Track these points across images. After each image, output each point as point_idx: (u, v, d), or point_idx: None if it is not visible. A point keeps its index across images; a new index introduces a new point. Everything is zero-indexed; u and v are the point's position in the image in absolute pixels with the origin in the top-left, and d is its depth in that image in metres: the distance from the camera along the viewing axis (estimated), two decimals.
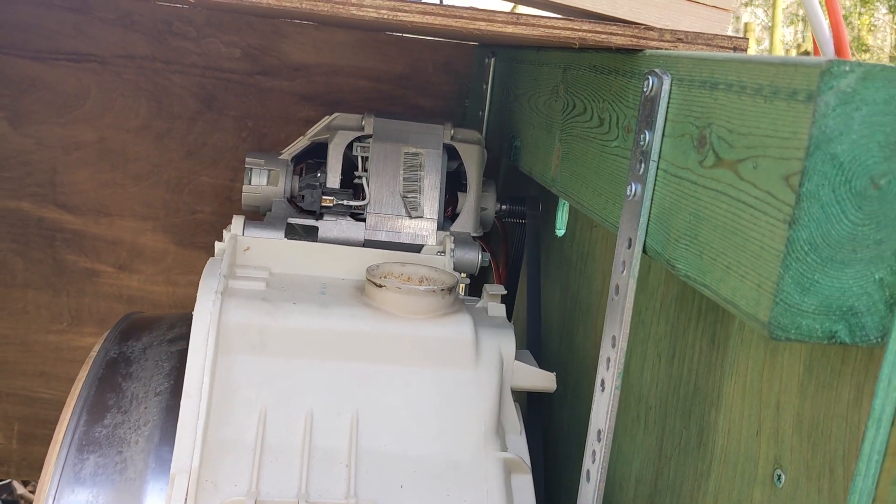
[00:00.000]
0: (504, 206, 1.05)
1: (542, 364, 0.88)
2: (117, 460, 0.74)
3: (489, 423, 0.80)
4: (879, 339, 0.45)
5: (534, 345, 0.98)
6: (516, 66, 1.09)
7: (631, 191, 0.62)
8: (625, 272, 0.63)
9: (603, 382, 0.67)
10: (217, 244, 0.87)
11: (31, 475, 1.45)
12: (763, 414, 0.57)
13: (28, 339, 1.39)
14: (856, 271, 0.44)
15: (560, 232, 1.06)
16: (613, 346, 0.65)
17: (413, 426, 0.78)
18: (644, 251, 0.62)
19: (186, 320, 0.87)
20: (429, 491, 0.75)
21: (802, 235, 0.43)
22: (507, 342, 0.84)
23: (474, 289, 1.17)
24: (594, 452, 0.67)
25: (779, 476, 0.55)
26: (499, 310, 0.89)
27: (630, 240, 0.63)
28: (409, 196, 0.95)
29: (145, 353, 0.85)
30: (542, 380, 0.85)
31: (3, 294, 1.36)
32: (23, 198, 1.33)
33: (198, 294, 0.76)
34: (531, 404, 0.93)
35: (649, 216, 0.61)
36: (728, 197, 0.50)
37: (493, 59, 1.21)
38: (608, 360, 0.66)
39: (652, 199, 0.60)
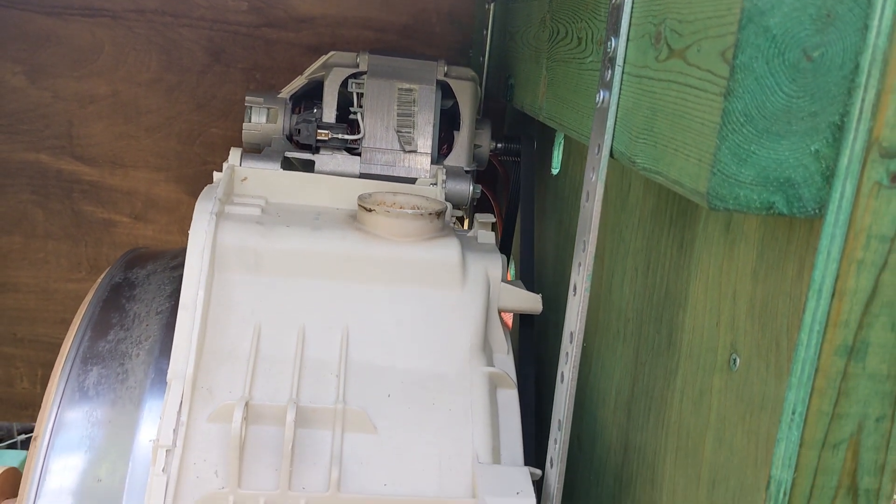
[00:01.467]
0: (499, 145, 1.07)
1: None
2: (119, 371, 0.78)
3: (475, 340, 0.82)
4: (817, 211, 0.47)
5: (527, 277, 1.01)
6: (512, 5, 1.11)
7: (599, 98, 0.64)
8: (594, 177, 0.65)
9: (574, 287, 0.69)
10: (215, 174, 0.90)
11: None
12: (722, 305, 0.59)
13: (49, 288, 1.44)
14: (792, 143, 0.46)
15: (555, 170, 1.08)
16: (584, 249, 0.67)
17: (401, 342, 0.81)
18: (611, 155, 0.64)
19: None
20: (415, 400, 0.78)
21: (737, 107, 0.45)
22: (494, 265, 0.86)
23: None
24: (567, 354, 0.70)
25: (734, 360, 0.57)
26: (488, 237, 0.91)
27: (599, 146, 0.65)
28: (403, 131, 0.98)
29: (149, 279, 0.89)
30: (529, 301, 0.87)
31: (24, 244, 1.42)
32: (41, 150, 1.38)
33: (194, 215, 0.80)
34: (523, 328, 0.96)
35: (615, 120, 0.63)
36: (677, 84, 0.52)
37: (492, 4, 1.23)
38: (579, 264, 0.68)
39: (618, 104, 0.62)
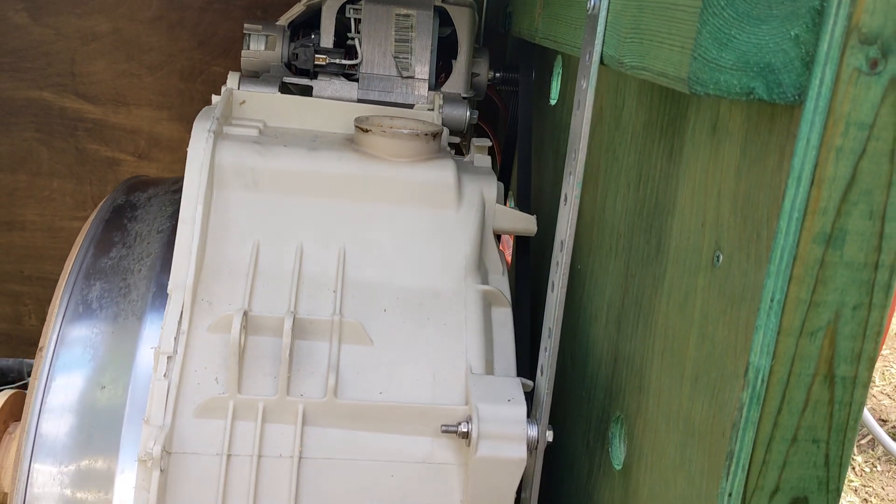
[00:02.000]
0: (497, 74, 1.08)
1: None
2: (121, 286, 0.80)
3: (470, 259, 0.84)
4: (797, 97, 0.48)
5: (524, 208, 1.02)
6: None
7: (590, 5, 0.65)
8: (585, 85, 0.66)
9: (565, 196, 0.70)
10: (213, 97, 0.91)
11: None
12: (707, 206, 0.60)
13: (55, 226, 1.46)
14: (772, 27, 0.46)
15: (553, 101, 1.08)
16: (574, 158, 0.68)
17: (397, 260, 0.83)
18: (602, 62, 0.65)
19: None
20: (410, 315, 0.80)
21: None
22: (489, 187, 0.87)
23: None
24: (557, 263, 0.71)
25: (718, 257, 0.58)
26: (484, 160, 0.92)
27: (590, 53, 0.65)
28: (400, 57, 0.98)
29: (150, 201, 0.91)
30: (523, 222, 0.89)
31: (30, 182, 1.44)
32: (45, 88, 1.39)
33: (192, 133, 0.81)
34: (520, 253, 0.97)
35: (605, 25, 0.63)
36: None
37: None
38: (569, 174, 0.69)
39: (608, 8, 0.63)
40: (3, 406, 0.97)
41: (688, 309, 0.62)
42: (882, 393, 2.56)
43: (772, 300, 0.51)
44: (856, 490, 2.12)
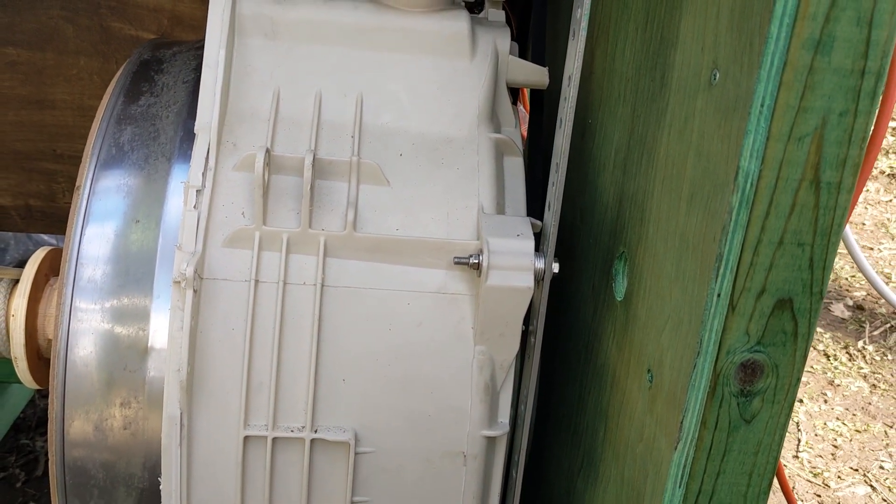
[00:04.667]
0: None
1: None
2: (151, 130, 0.85)
3: (483, 108, 0.87)
4: None
5: (538, 59, 1.04)
6: None
7: None
8: None
9: (573, 31, 0.72)
10: None
11: None
12: (706, 28, 0.62)
13: (83, 105, 1.50)
14: None
15: None
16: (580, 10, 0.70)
17: (412, 108, 0.86)
18: None
19: None
20: (425, 159, 0.84)
21: None
22: (502, 38, 0.89)
23: None
24: (565, 98, 0.74)
25: (714, 75, 0.60)
26: (498, 15, 0.94)
27: None
28: None
29: (175, 56, 0.94)
30: (536, 74, 0.91)
31: (57, 61, 1.47)
32: None
33: None
34: (533, 113, 1.00)
35: None
36: None
37: None
38: (577, 6, 0.71)
39: None
40: (42, 260, 1.03)
41: (686, 133, 0.65)
42: None
43: (762, 106, 0.54)
44: (865, 376, 2.18)
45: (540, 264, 0.78)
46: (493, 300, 0.77)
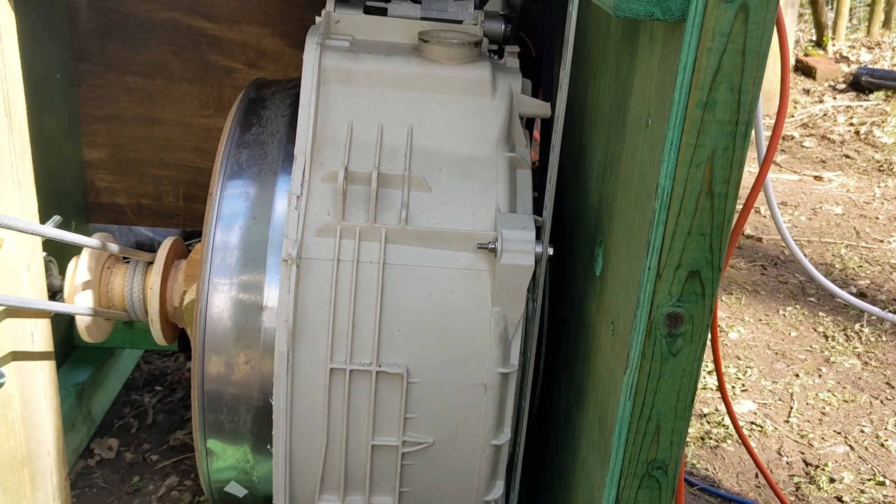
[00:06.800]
0: None
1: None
2: (261, 153, 1.17)
3: (501, 134, 1.18)
4: (682, 17, 0.79)
5: (546, 95, 1.34)
6: None
7: None
8: (572, 7, 0.98)
9: (557, 117, 1.03)
10: (317, 17, 1.25)
11: (195, 225, 1.95)
12: (645, 89, 0.92)
13: (185, 122, 1.85)
14: None
15: None
16: (567, 50, 1.00)
17: (448, 135, 1.17)
18: None
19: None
20: (457, 172, 1.15)
21: None
22: (516, 82, 1.20)
23: None
24: (553, 142, 1.04)
25: (648, 121, 0.90)
26: (513, 62, 1.24)
27: None
28: None
29: (274, 96, 1.27)
30: (541, 108, 1.21)
31: (165, 86, 1.82)
32: (175, 10, 1.75)
33: (305, 45, 1.15)
34: (543, 133, 1.30)
35: None
36: None
37: None
38: (561, 84, 1.01)
39: None
40: (170, 247, 1.38)
41: (634, 157, 0.95)
42: None
43: (671, 145, 0.84)
44: (859, 355, 2.43)
45: (539, 249, 1.09)
46: (505, 274, 1.08)
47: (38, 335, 1.34)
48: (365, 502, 1.13)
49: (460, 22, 1.30)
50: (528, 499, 1.36)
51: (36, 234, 1.17)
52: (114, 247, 1.32)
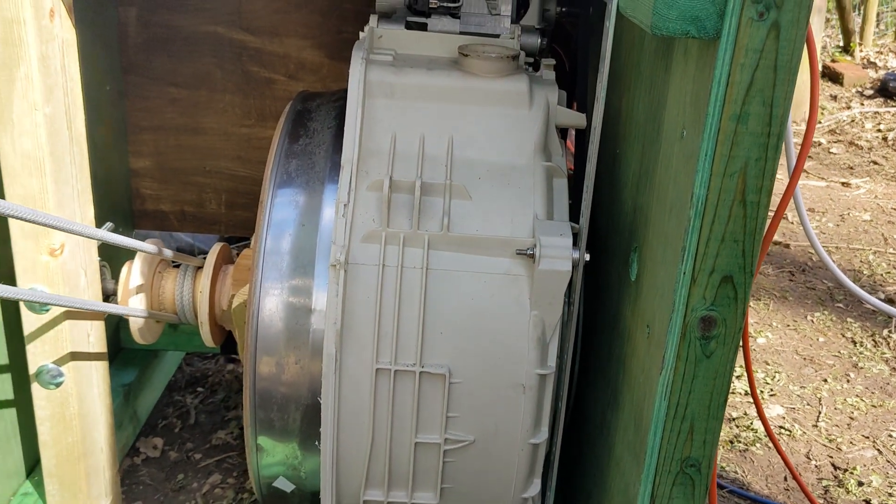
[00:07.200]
0: (563, 8, 1.43)
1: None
2: (308, 163, 1.23)
3: (538, 144, 1.22)
4: (716, 35, 0.84)
5: (581, 107, 1.38)
6: None
7: None
8: (608, 24, 1.02)
9: (594, 128, 1.07)
10: (360, 33, 1.30)
11: (235, 231, 2.01)
12: (680, 103, 0.96)
13: (228, 131, 1.91)
14: None
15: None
16: (602, 70, 1.05)
17: (488, 145, 1.22)
18: (618, 10, 1.00)
19: (345, 91, 1.32)
20: (497, 181, 1.20)
21: None
22: (552, 93, 1.24)
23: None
24: (590, 151, 1.09)
25: (683, 133, 0.94)
26: (550, 74, 1.29)
27: (611, 2, 1.01)
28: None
29: (319, 107, 1.32)
30: (576, 118, 1.26)
31: (209, 97, 1.88)
32: (218, 24, 1.82)
33: (351, 60, 1.21)
34: (578, 143, 1.35)
35: None
36: None
37: None
38: (598, 97, 1.06)
39: None
40: (219, 253, 1.44)
41: (669, 168, 0.99)
42: None
43: (706, 155, 0.88)
44: (887, 360, 2.44)
45: (576, 255, 1.13)
46: (543, 279, 1.12)
47: (94, 336, 1.41)
48: (408, 498, 1.18)
49: (498, 36, 1.35)
50: (561, 499, 1.40)
51: (97, 239, 1.24)
52: (168, 252, 1.39)
